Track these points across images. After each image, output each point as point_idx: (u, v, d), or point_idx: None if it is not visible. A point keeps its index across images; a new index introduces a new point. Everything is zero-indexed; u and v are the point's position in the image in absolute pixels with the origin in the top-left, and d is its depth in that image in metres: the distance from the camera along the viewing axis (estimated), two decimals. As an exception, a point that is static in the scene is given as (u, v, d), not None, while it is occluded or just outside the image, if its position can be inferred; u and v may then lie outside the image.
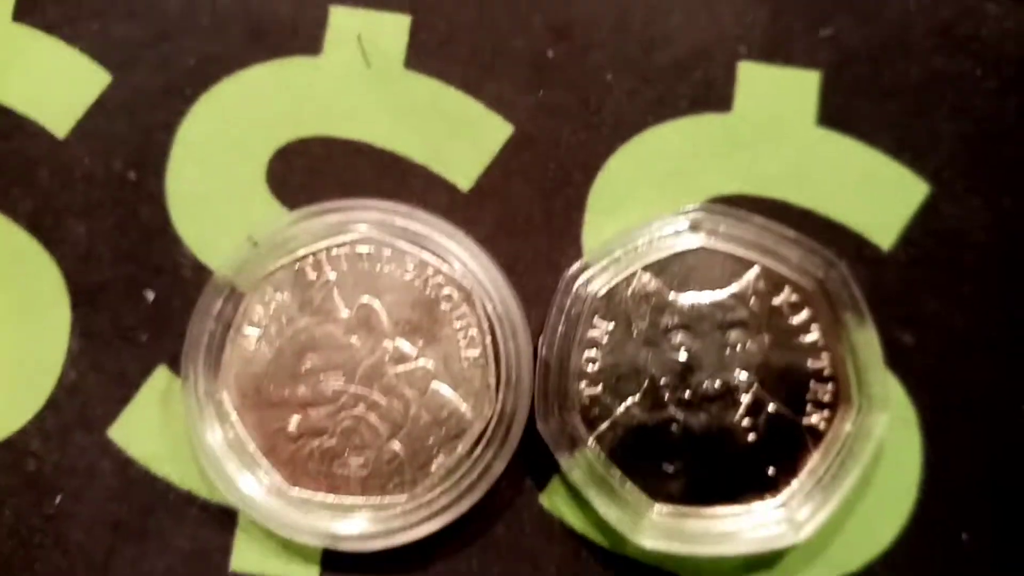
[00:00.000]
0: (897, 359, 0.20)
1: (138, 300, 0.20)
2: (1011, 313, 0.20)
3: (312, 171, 0.20)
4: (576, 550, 0.20)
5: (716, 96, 0.21)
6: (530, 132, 0.20)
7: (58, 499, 0.20)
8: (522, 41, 0.21)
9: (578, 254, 0.20)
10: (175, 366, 0.20)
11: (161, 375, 0.20)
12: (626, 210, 0.20)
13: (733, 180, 0.20)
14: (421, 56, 0.21)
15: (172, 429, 0.20)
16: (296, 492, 0.19)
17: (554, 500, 0.20)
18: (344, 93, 0.21)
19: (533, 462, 0.20)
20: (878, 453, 0.19)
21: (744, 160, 0.20)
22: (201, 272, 0.20)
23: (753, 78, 0.20)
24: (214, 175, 0.20)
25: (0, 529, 0.20)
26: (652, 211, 0.20)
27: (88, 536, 0.20)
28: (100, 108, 0.21)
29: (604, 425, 0.19)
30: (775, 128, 0.20)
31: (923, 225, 0.20)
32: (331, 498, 0.19)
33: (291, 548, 0.20)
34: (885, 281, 0.20)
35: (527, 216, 0.20)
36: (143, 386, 0.20)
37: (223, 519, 0.20)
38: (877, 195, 0.20)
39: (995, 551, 0.20)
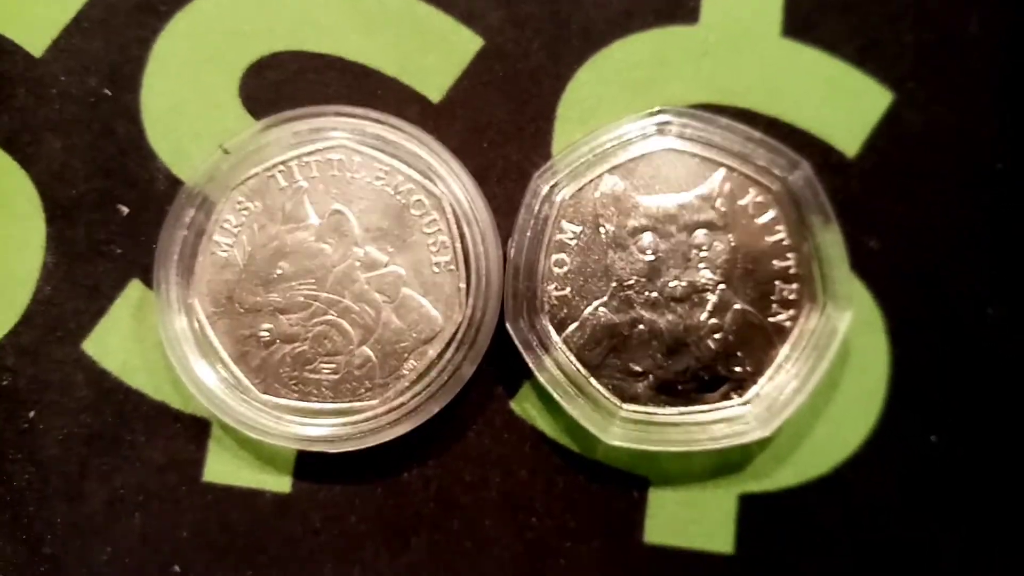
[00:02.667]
0: (863, 264, 0.20)
1: (112, 214, 0.20)
2: (975, 217, 0.20)
3: (284, 85, 0.21)
4: (547, 455, 0.20)
5: (683, 9, 0.21)
6: (500, 44, 0.21)
7: (32, 413, 0.20)
8: (491, -42, 0.21)
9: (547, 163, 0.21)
10: (149, 279, 0.20)
11: (135, 288, 0.20)
12: (595, 119, 0.20)
13: (700, 90, 0.21)
14: (391, -28, 0.21)
15: (146, 341, 0.20)
16: (267, 398, 0.19)
17: (524, 406, 0.20)
18: (315, 8, 0.21)
19: (504, 368, 0.20)
20: (844, 353, 0.19)
21: (711, 70, 0.21)
22: (175, 186, 0.20)
23: (719, -9, 0.21)
24: (188, 90, 0.21)
25: (-25, 443, 0.20)
26: (621, 119, 0.20)
27: (62, 450, 0.20)
28: (76, 26, 0.21)
29: (572, 326, 0.19)
30: (741, 39, 0.21)
31: (887, 132, 0.20)
32: (302, 403, 0.19)
33: (263, 457, 0.20)
34: (851, 187, 0.20)
35: (498, 126, 0.20)
36: (117, 299, 0.20)
37: (196, 430, 0.20)
38: (841, 103, 0.21)
39: (963, 453, 0.20)
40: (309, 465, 0.20)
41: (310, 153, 0.19)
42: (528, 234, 0.19)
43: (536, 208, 0.19)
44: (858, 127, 0.20)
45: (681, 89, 0.21)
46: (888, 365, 0.20)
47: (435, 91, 0.21)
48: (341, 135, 0.19)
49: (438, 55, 0.21)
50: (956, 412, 0.20)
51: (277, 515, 0.20)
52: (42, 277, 0.20)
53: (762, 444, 0.19)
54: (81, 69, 0.21)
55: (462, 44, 0.21)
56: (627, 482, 0.19)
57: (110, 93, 0.21)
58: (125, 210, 0.20)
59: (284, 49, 0.21)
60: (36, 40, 0.21)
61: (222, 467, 0.20)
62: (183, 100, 0.21)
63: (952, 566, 0.19)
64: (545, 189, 0.19)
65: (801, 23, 0.21)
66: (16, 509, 0.20)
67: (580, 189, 0.19)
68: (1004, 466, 0.20)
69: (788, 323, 0.19)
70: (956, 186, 0.20)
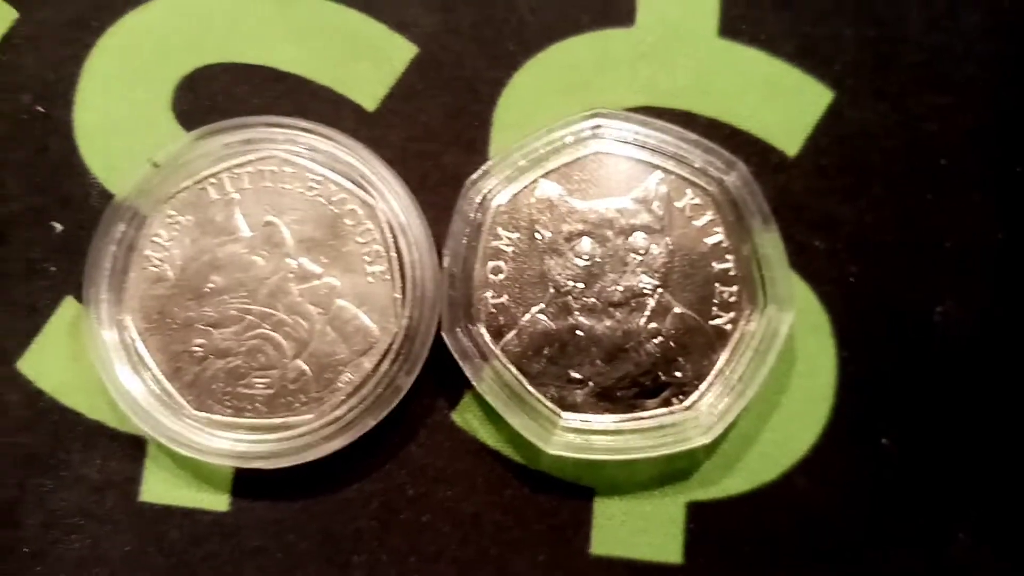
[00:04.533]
0: (808, 264, 0.20)
1: (46, 232, 0.20)
2: (919, 215, 0.20)
3: (217, 97, 0.20)
4: (490, 466, 0.19)
5: (618, 11, 0.20)
6: (434, 52, 0.20)
7: (-33, 435, 0.20)
8: (426, -35, 0.21)
9: (484, 170, 0.20)
10: (82, 296, 0.20)
11: (69, 305, 0.20)
12: (532, 125, 0.20)
13: (638, 93, 0.20)
14: (324, -19, 0.21)
15: (81, 360, 0.20)
16: (201, 414, 0.19)
17: (466, 417, 0.20)
18: (246, 19, 0.21)
19: (443, 379, 0.19)
20: (790, 356, 0.19)
21: (648, 73, 0.20)
22: (108, 201, 0.20)
23: (655, -8, 0.21)
24: (121, 106, 0.20)
25: (-92, 468, 0.20)
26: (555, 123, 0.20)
27: (-2, 471, 0.20)
28: (7, 44, 0.21)
29: (510, 334, 0.18)
30: (678, 41, 0.20)
31: (828, 130, 0.20)
32: (236, 419, 0.19)
33: (201, 475, 0.19)
34: (793, 187, 0.20)
35: (434, 134, 0.20)
36: (51, 317, 0.20)
37: (133, 449, 0.19)
38: (781, 103, 0.20)
39: (914, 455, 0.19)
40: (247, 483, 0.19)
41: (241, 164, 0.19)
42: (463, 241, 0.19)
43: (471, 215, 0.19)
44: (798, 126, 0.20)
45: (619, 92, 0.20)
46: (835, 367, 0.19)
47: (370, 100, 0.20)
48: (272, 146, 0.19)
49: (371, 63, 0.20)
50: (906, 414, 0.19)
51: (216, 534, 0.19)
52: (-25, 297, 0.20)
53: (709, 451, 0.19)
54: (13, 86, 0.20)
55: (396, 52, 0.20)
56: (572, 492, 0.19)
57: (43, 110, 0.20)
58: (59, 227, 0.20)
59: (216, 61, 0.20)
60: (-32, 58, 0.21)
61: (159, 486, 0.19)
62: (116, 116, 0.20)
63: (905, 569, 0.19)
64: (479, 195, 0.19)
65: (737, 23, 0.20)
66: (-51, 534, 0.19)
67: (515, 195, 0.19)
68: (955, 467, 0.19)
69: (728, 326, 0.18)
70: (900, 183, 0.20)
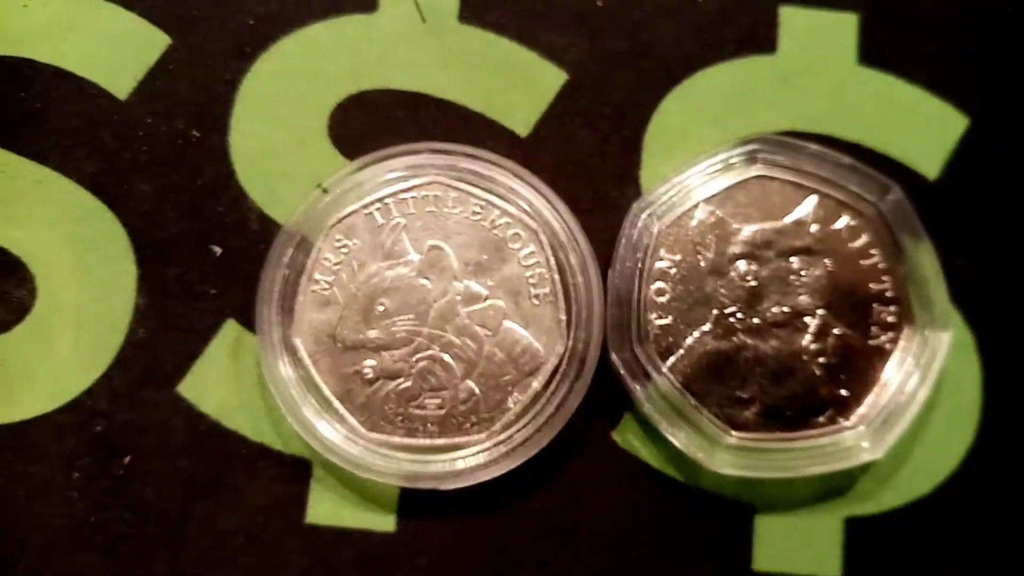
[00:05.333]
0: (952, 284, 0.20)
1: (205, 255, 0.20)
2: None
3: (372, 123, 0.21)
4: (652, 485, 0.20)
5: (761, 39, 0.21)
6: (584, 79, 0.21)
7: (127, 459, 0.20)
8: (571, -7, 0.22)
9: (636, 194, 0.21)
10: (244, 319, 0.20)
11: (231, 328, 0.20)
12: (681, 150, 0.20)
13: (782, 118, 0.21)
14: (474, 9, 0.21)
15: (243, 382, 0.20)
16: (374, 435, 0.19)
17: (626, 436, 0.20)
18: (401, 48, 0.21)
19: (603, 399, 0.20)
20: (941, 372, 0.20)
21: (791, 99, 0.21)
22: (267, 225, 0.20)
23: (795, 21, 0.21)
24: (277, 130, 0.21)
25: (70, 492, 0.20)
26: (706, 149, 0.20)
27: (160, 494, 0.20)
28: (161, 69, 0.21)
29: (677, 354, 0.19)
30: (819, 68, 0.21)
31: (966, 155, 0.21)
32: (409, 440, 0.19)
33: (367, 496, 0.20)
34: (934, 209, 0.21)
35: (585, 159, 0.21)
36: (212, 340, 0.20)
37: (297, 471, 0.20)
38: (919, 128, 0.21)
39: (1058, 467, 0.20)
40: (413, 503, 0.19)
41: (406, 190, 0.20)
42: (628, 264, 0.19)
43: (635, 238, 0.19)
44: (938, 150, 0.21)
45: (763, 117, 0.21)
46: (980, 383, 0.20)
47: (522, 126, 0.21)
48: (436, 171, 0.20)
49: (523, 90, 0.21)
50: (1049, 427, 0.20)
51: (383, 555, 0.19)
52: (135, 319, 0.20)
53: (864, 467, 0.20)
54: (167, 111, 0.21)
55: (546, 79, 0.21)
56: (733, 510, 0.19)
57: (198, 135, 0.21)
58: (218, 250, 0.20)
59: (371, 88, 0.21)
60: (120, 82, 0.21)
61: (325, 508, 0.19)
62: (272, 140, 0.21)
63: (1056, 581, 0.20)
64: (643, 219, 0.19)
65: (876, 50, 0.21)
66: (117, 557, 0.19)
67: (677, 218, 0.19)
68: (1101, 479, 0.20)
69: (888, 345, 0.19)
70: (1037, 205, 0.21)
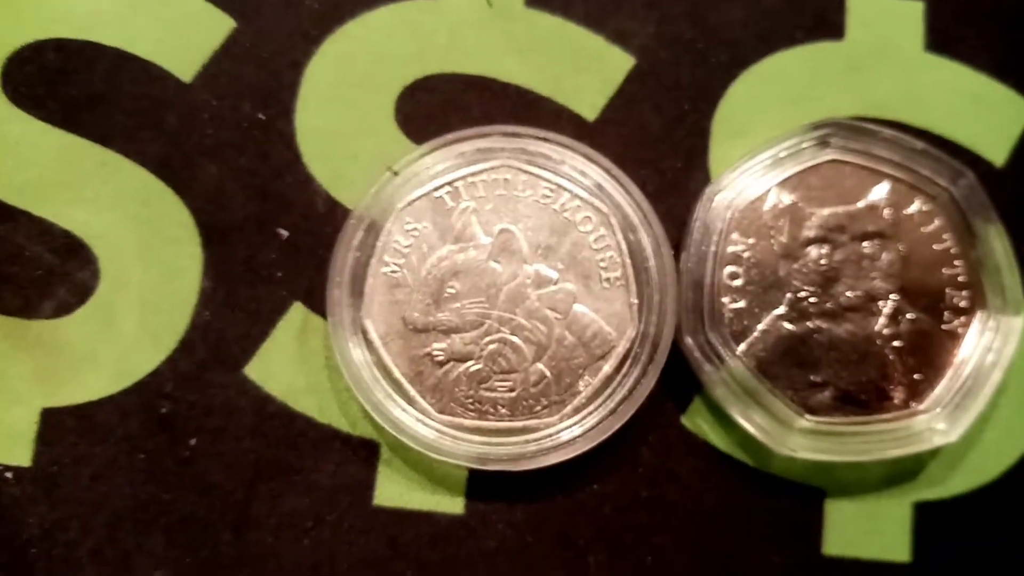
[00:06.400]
0: (1021, 269, 0.20)
1: (271, 238, 0.20)
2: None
3: (438, 107, 0.21)
4: (722, 469, 0.20)
5: (828, 25, 0.21)
6: (651, 63, 0.21)
7: (193, 441, 0.20)
8: (637, -22, 0.21)
9: (705, 179, 0.21)
10: (310, 302, 0.20)
11: (297, 311, 0.20)
12: (750, 134, 0.20)
13: (850, 104, 0.21)
14: (542, -6, 0.21)
15: (310, 364, 0.20)
16: (444, 417, 0.19)
17: (696, 421, 0.20)
18: (467, 32, 0.21)
19: (672, 384, 0.20)
20: (1015, 356, 0.20)
21: (859, 84, 0.21)
22: (334, 208, 0.20)
23: (862, 7, 0.21)
24: (343, 113, 0.21)
25: (135, 475, 0.19)
26: (774, 134, 0.20)
27: (227, 476, 0.19)
28: (225, 53, 0.21)
29: (751, 338, 0.19)
30: (886, 54, 0.21)
31: (1034, 142, 0.21)
32: (479, 422, 0.19)
33: (434, 479, 0.20)
34: (1001, 195, 0.20)
35: (653, 143, 0.21)
36: (279, 322, 0.20)
37: (365, 453, 0.20)
38: (986, 115, 0.21)
39: None
40: (481, 485, 0.19)
41: (476, 173, 0.20)
42: (702, 247, 0.19)
43: (708, 221, 0.19)
44: (1004, 137, 0.21)
45: (831, 103, 0.21)
46: (1049, 369, 0.20)
47: (589, 110, 0.21)
48: (506, 155, 0.20)
49: (591, 75, 0.21)
50: (1118, 414, 0.20)
51: (451, 537, 0.19)
52: (200, 302, 0.20)
53: (933, 452, 0.20)
54: (233, 94, 0.21)
55: (614, 63, 0.21)
56: (803, 494, 0.19)
57: (263, 117, 0.21)
58: (285, 233, 0.20)
59: (437, 72, 0.21)
60: (185, 66, 0.21)
61: (393, 490, 0.19)
62: (339, 123, 0.21)
63: None
64: (716, 202, 0.19)
65: (942, 38, 0.21)
66: (181, 539, 0.19)
67: (751, 202, 0.19)
68: None
69: (961, 329, 0.19)
70: (1104, 192, 0.21)
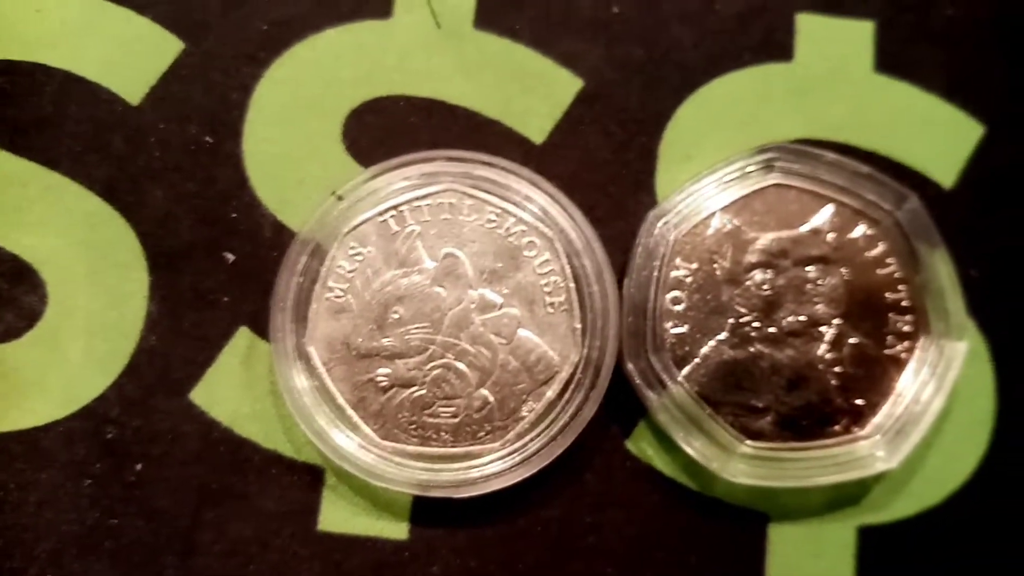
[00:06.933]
0: (966, 294, 0.20)
1: (217, 262, 0.20)
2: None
3: (387, 129, 0.21)
4: (666, 494, 0.20)
5: (777, 46, 0.21)
6: (599, 86, 0.21)
7: (139, 466, 0.20)
8: (586, -1, 0.21)
9: (652, 202, 0.20)
10: (257, 326, 0.20)
11: (243, 336, 0.20)
12: (697, 157, 0.20)
13: (798, 126, 0.21)
14: (490, 15, 0.21)
15: (256, 389, 0.20)
16: (387, 443, 0.19)
17: (641, 445, 0.20)
18: (416, 54, 0.21)
19: (617, 408, 0.20)
20: (959, 382, 0.20)
21: (807, 106, 0.21)
22: (280, 232, 0.20)
23: (812, 29, 0.21)
24: (291, 137, 0.21)
25: (81, 500, 0.19)
26: (722, 157, 0.20)
27: (172, 502, 0.19)
28: (174, 75, 0.21)
29: (693, 363, 0.19)
30: (835, 76, 0.21)
31: (982, 164, 0.21)
32: (422, 448, 0.19)
33: (379, 504, 0.20)
34: (949, 218, 0.21)
35: (600, 166, 0.21)
36: (225, 347, 0.20)
37: (309, 479, 0.20)
38: (935, 136, 0.21)
39: (1073, 477, 0.20)
40: (426, 510, 0.19)
41: (422, 197, 0.19)
42: (644, 272, 0.19)
43: (651, 246, 0.19)
44: (953, 159, 0.21)
45: (779, 125, 0.21)
46: (994, 392, 0.20)
47: (537, 133, 0.21)
48: (451, 179, 0.20)
49: (539, 97, 0.21)
50: (1064, 437, 0.20)
51: (395, 563, 0.19)
52: (146, 327, 0.20)
53: (877, 476, 0.20)
54: (180, 117, 0.21)
55: (562, 86, 0.21)
56: (747, 519, 0.19)
57: (211, 141, 0.21)
58: (231, 257, 0.20)
59: (385, 94, 0.21)
60: (133, 88, 0.21)
61: (337, 515, 0.19)
62: (286, 146, 0.20)
63: (1071, 591, 0.20)
64: (659, 227, 0.19)
65: (893, 58, 0.21)
66: (126, 564, 0.19)
67: (693, 227, 0.19)
68: (1115, 490, 0.20)
69: (904, 355, 0.19)
70: (1052, 215, 0.21)
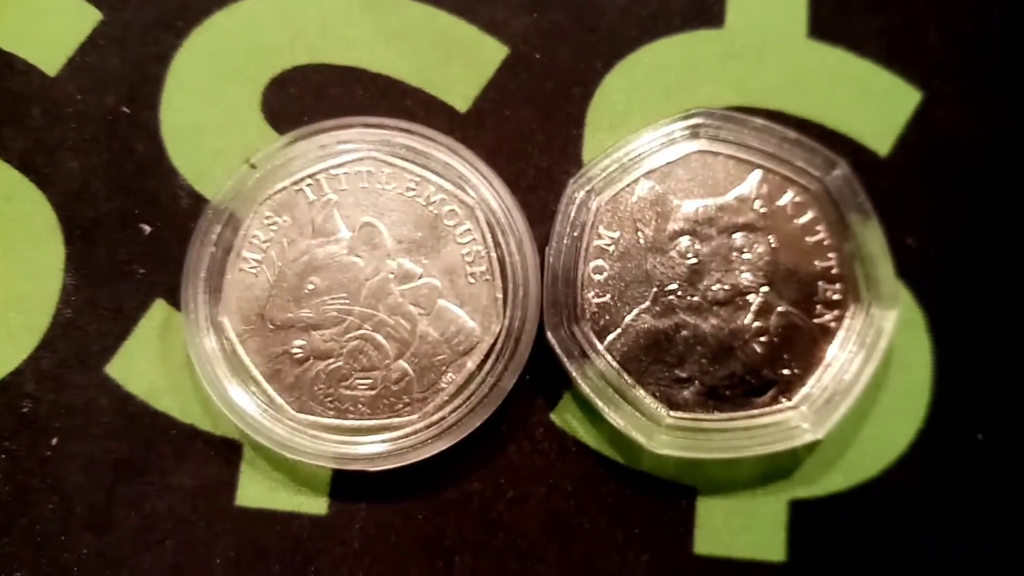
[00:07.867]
0: (902, 262, 0.20)
1: (134, 234, 0.20)
2: (1012, 213, 0.20)
3: (307, 98, 0.20)
4: (591, 466, 0.19)
5: (708, 13, 0.21)
6: (526, 53, 0.20)
7: (54, 440, 0.19)
8: (514, -33, 0.21)
9: (579, 170, 0.20)
10: (173, 299, 0.20)
11: (159, 308, 0.20)
12: (625, 125, 0.20)
13: (729, 93, 0.20)
14: (414, -18, 0.21)
15: (172, 362, 0.19)
16: (302, 416, 0.18)
17: (565, 417, 0.19)
18: (338, 21, 0.20)
19: (542, 379, 0.19)
20: (887, 353, 0.19)
21: (739, 73, 0.20)
22: (198, 203, 0.20)
23: (744, -6, 0.21)
24: (209, 106, 0.20)
25: (-5, 475, 0.19)
26: (650, 124, 0.20)
27: (88, 477, 0.19)
28: (91, 45, 0.20)
29: (615, 333, 0.18)
30: (767, 42, 0.21)
31: (918, 130, 0.20)
32: (338, 420, 0.19)
33: (298, 479, 0.19)
34: (884, 185, 0.20)
35: (526, 135, 0.20)
36: (141, 320, 0.19)
37: (227, 453, 0.19)
38: (871, 103, 0.20)
39: (1010, 448, 0.19)
40: (345, 485, 0.19)
41: (339, 166, 0.19)
42: (565, 241, 0.19)
43: (572, 215, 0.19)
44: (889, 126, 0.20)
45: (710, 92, 0.20)
46: (931, 364, 0.19)
47: (461, 101, 0.20)
48: (369, 147, 0.19)
49: (463, 65, 0.20)
50: (1002, 408, 0.20)
51: (314, 538, 0.19)
52: (62, 300, 0.20)
53: (810, 449, 0.19)
54: (97, 87, 0.20)
55: (487, 53, 0.20)
56: (674, 492, 0.19)
57: (128, 111, 0.20)
58: (147, 229, 0.20)
59: (306, 62, 0.20)
60: (50, 59, 0.20)
61: (255, 490, 0.19)
62: (204, 116, 0.20)
63: (1006, 565, 0.19)
64: (581, 195, 0.19)
65: (826, 24, 0.21)
66: (40, 540, 0.19)
67: (616, 194, 0.19)
68: (1053, 462, 0.19)
69: (833, 324, 0.18)
70: (991, 182, 0.20)
